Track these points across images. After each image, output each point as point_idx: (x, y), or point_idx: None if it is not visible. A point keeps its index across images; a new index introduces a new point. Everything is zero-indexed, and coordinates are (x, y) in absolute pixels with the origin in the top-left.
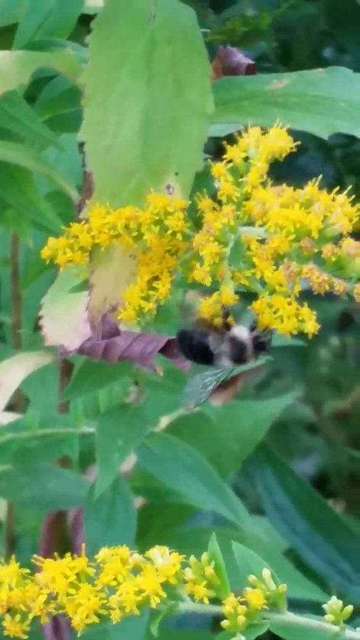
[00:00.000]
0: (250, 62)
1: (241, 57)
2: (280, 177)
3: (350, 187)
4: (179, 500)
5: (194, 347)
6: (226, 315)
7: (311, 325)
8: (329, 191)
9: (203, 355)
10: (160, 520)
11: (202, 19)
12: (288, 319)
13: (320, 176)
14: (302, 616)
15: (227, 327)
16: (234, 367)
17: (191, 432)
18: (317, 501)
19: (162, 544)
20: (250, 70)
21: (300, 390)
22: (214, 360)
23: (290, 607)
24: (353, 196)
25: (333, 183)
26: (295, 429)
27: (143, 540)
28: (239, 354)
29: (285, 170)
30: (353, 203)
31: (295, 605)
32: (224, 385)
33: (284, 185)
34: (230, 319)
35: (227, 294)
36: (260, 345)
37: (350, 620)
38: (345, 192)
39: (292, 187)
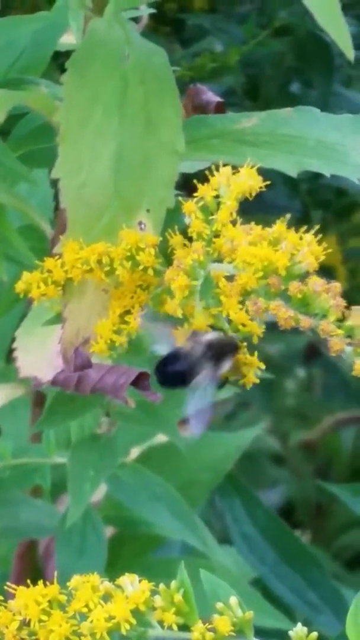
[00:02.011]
0: (220, 100)
1: (211, 95)
2: (247, 212)
3: (317, 223)
4: (149, 530)
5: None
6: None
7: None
8: (296, 225)
9: (185, 374)
10: (129, 549)
11: (170, 54)
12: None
13: (289, 215)
14: None
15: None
16: (217, 369)
17: (161, 462)
18: (284, 532)
19: (132, 573)
20: (219, 107)
21: (267, 422)
22: (198, 373)
23: (257, 635)
24: (320, 235)
25: (299, 217)
26: (262, 460)
27: (112, 570)
28: (216, 351)
29: (252, 205)
30: (319, 241)
31: (263, 633)
32: None
33: (252, 223)
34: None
35: (199, 320)
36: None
37: None
38: (313, 231)
39: (260, 225)
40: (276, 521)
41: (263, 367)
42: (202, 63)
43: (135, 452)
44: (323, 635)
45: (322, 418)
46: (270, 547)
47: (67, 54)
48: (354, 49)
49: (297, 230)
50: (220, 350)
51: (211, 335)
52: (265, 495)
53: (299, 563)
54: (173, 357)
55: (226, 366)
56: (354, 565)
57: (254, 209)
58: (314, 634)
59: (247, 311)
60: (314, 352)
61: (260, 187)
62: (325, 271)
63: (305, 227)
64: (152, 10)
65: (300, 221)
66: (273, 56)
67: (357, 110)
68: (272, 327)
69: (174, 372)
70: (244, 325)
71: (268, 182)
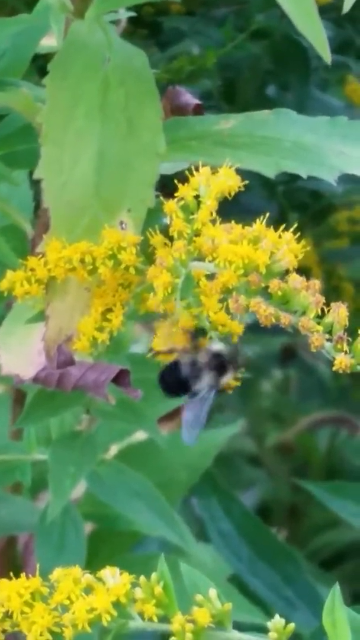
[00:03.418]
0: (198, 102)
1: (189, 97)
2: (225, 214)
3: (293, 225)
4: (128, 527)
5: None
6: (194, 336)
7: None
8: (273, 227)
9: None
10: (108, 546)
11: (148, 57)
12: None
13: (267, 214)
14: (247, 634)
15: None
16: (220, 379)
17: (140, 459)
18: (260, 528)
19: None
20: (197, 110)
21: (243, 423)
22: (200, 381)
23: (234, 629)
24: (298, 233)
25: (276, 219)
26: (237, 461)
27: (91, 566)
28: (222, 362)
29: (229, 207)
30: (298, 240)
31: (239, 629)
32: (170, 415)
33: (232, 222)
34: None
35: (185, 318)
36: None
37: None
38: (291, 229)
39: (239, 224)
40: (252, 518)
41: (243, 371)
42: (180, 66)
43: (114, 449)
44: (299, 631)
45: (297, 419)
46: (246, 544)
47: (45, 56)
48: (332, 51)
49: (273, 229)
50: (226, 361)
51: (218, 346)
52: (241, 497)
53: (275, 560)
54: (177, 365)
55: (229, 376)
56: (329, 565)
57: (231, 212)
58: (291, 625)
59: (227, 309)
60: (290, 353)
61: (239, 187)
62: (302, 273)
63: (282, 228)
64: (132, 14)
65: (277, 223)
66: (250, 59)
67: (332, 113)
68: (248, 329)
69: (177, 380)
70: (223, 325)
71: (246, 183)
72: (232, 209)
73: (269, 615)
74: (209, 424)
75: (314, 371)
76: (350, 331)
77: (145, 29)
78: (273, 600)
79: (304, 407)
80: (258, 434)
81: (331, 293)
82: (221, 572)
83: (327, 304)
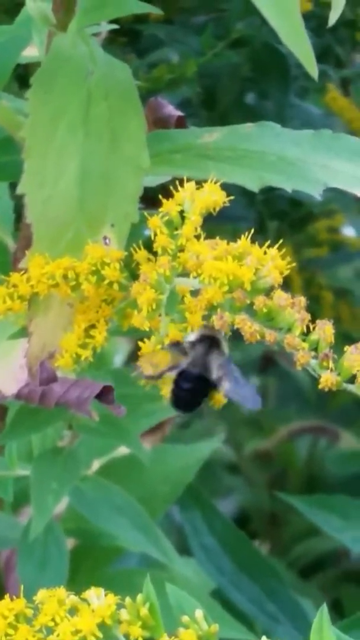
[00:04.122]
0: (181, 114)
1: (172, 109)
2: (203, 221)
3: (272, 233)
4: (111, 542)
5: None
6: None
7: None
8: (252, 236)
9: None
10: (90, 561)
11: (127, 64)
12: None
13: (247, 224)
14: None
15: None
16: (222, 352)
17: (122, 474)
18: (243, 542)
19: (92, 585)
20: (180, 122)
21: (222, 431)
22: (211, 370)
23: None
24: (277, 246)
25: (255, 227)
26: (216, 468)
27: (73, 582)
28: (210, 339)
29: (208, 215)
30: (278, 249)
31: None
32: (153, 429)
33: (208, 235)
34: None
35: (174, 332)
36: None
37: None
38: (276, 245)
39: (216, 234)
40: (235, 532)
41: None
42: (159, 75)
43: (96, 464)
44: None
45: (277, 427)
46: (229, 558)
47: (25, 65)
48: None
49: (252, 240)
50: (208, 334)
51: (195, 333)
52: (220, 504)
53: (258, 574)
54: (183, 375)
55: (225, 346)
56: (308, 573)
57: (209, 219)
58: None
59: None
60: (269, 361)
61: (224, 202)
62: (281, 281)
63: (259, 240)
64: (113, 26)
65: (256, 231)
66: (229, 67)
67: (312, 121)
68: (227, 337)
69: (195, 385)
70: None
71: (230, 197)
72: (211, 216)
73: (252, 630)
74: (187, 433)
75: (293, 379)
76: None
77: (124, 36)
78: (256, 614)
79: (283, 415)
80: (237, 441)
81: (311, 301)
82: (204, 586)
83: (307, 312)
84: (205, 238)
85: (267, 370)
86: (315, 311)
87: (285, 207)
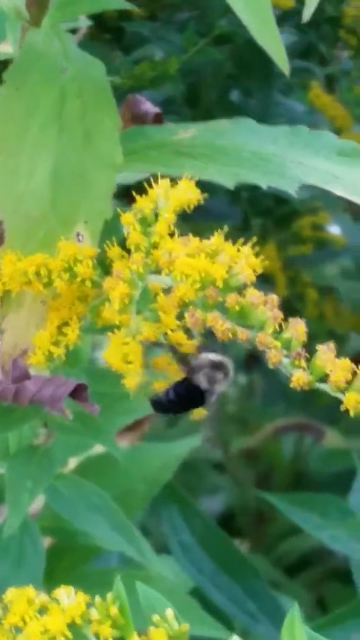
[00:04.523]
0: (158, 111)
1: (149, 106)
2: (188, 219)
3: (257, 230)
4: (87, 541)
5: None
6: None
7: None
8: (236, 233)
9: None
10: (67, 560)
11: (111, 61)
12: None
13: (226, 227)
14: None
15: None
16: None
17: (99, 472)
18: (223, 541)
19: (69, 584)
20: (157, 118)
21: (208, 429)
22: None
23: None
24: (259, 244)
25: (240, 225)
26: (202, 467)
27: (50, 580)
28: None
29: (192, 212)
30: (259, 250)
31: None
32: (131, 427)
33: (190, 233)
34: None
35: (148, 330)
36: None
37: None
38: (251, 242)
39: (201, 232)
40: (214, 530)
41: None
42: (142, 72)
43: (73, 462)
44: None
45: (262, 425)
46: (208, 557)
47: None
48: (295, 57)
49: (236, 238)
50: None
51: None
52: (206, 503)
53: (238, 572)
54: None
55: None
56: (293, 571)
57: (194, 216)
58: None
59: (185, 326)
60: (254, 358)
61: (199, 200)
62: (265, 279)
63: (244, 238)
64: (90, 23)
65: (240, 229)
66: (213, 64)
67: (296, 118)
68: (212, 334)
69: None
70: (179, 344)
71: (207, 193)
72: (195, 213)
73: (231, 629)
74: (173, 431)
75: (278, 377)
76: (313, 337)
77: (108, 33)
78: (235, 613)
79: (269, 412)
80: (222, 439)
81: (295, 299)
82: (182, 585)
83: (291, 310)
84: (194, 236)
85: (252, 368)
86: (299, 309)
87: (270, 204)
